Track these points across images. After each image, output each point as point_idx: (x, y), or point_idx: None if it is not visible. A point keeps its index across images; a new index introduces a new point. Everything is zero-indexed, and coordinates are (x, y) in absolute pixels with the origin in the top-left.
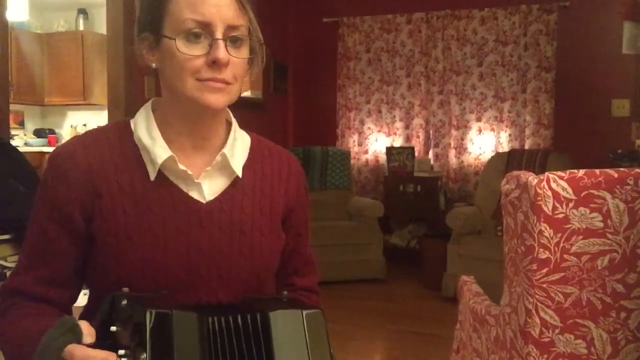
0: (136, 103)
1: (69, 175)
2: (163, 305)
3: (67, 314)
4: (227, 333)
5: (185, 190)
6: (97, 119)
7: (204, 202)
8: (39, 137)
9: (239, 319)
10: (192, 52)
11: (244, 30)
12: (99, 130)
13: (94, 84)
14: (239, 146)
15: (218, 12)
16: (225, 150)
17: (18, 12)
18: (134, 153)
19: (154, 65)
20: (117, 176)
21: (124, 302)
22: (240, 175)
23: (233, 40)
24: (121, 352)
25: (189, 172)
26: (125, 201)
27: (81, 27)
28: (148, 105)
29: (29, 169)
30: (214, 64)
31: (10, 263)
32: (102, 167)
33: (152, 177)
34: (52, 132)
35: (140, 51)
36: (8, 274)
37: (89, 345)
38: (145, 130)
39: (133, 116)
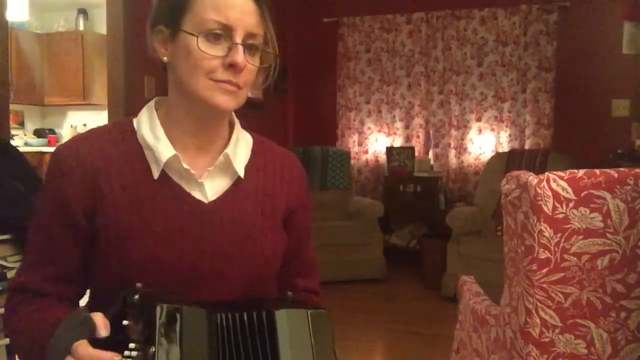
0: (136, 103)
1: (72, 173)
2: (174, 301)
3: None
4: (234, 330)
5: (187, 189)
6: (97, 119)
7: (206, 202)
8: (39, 137)
9: (245, 317)
10: (211, 52)
11: (260, 40)
12: (102, 128)
13: (94, 84)
14: (241, 147)
15: (241, 18)
16: (228, 150)
17: (18, 12)
18: (137, 152)
19: (165, 59)
20: (120, 175)
21: (136, 296)
22: (242, 175)
23: (249, 47)
24: (132, 345)
25: (192, 171)
26: (127, 200)
27: (81, 27)
28: (151, 104)
29: (29, 169)
30: (231, 67)
31: (10, 263)
32: (105, 165)
33: (156, 175)
34: (52, 132)
35: (152, 44)
36: (8, 273)
37: (103, 339)
38: (149, 129)
39: (134, 116)
